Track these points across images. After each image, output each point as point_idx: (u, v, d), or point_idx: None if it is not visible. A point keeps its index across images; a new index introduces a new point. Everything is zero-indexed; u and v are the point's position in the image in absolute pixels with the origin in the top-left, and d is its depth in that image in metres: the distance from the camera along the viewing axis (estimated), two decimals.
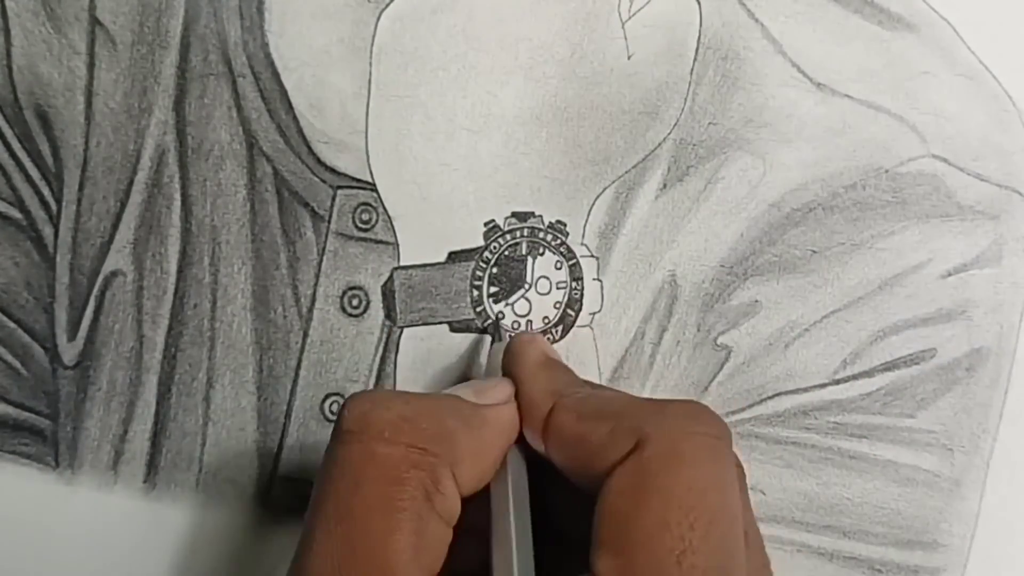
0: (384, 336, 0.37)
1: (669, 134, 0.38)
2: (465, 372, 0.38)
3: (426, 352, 0.38)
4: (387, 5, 0.37)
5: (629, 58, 0.37)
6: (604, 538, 0.27)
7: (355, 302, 0.37)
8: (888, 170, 0.38)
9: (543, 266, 0.38)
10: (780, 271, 0.38)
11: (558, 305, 0.38)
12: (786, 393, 0.38)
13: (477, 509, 0.31)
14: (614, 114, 0.37)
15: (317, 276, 0.37)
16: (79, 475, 0.37)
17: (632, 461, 0.28)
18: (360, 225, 0.37)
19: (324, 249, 0.37)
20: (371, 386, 0.37)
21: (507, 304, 0.38)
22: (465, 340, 0.38)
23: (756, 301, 0.38)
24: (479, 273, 0.38)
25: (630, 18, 0.37)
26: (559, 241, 0.38)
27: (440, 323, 0.38)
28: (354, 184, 0.37)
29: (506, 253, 0.38)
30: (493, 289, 0.38)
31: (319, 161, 0.37)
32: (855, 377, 0.38)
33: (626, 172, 0.38)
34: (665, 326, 0.38)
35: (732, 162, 0.38)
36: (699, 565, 0.26)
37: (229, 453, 0.37)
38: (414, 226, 0.37)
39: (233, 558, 0.37)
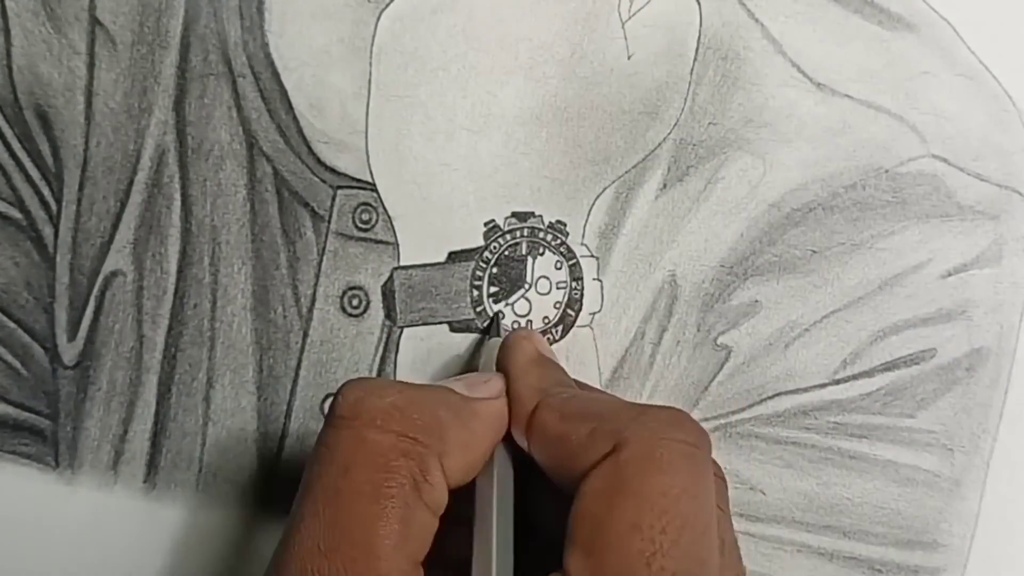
0: (384, 336, 0.37)
1: (669, 134, 0.38)
2: (465, 372, 0.38)
3: (426, 352, 0.38)
4: (387, 5, 0.37)
5: (629, 58, 0.37)
6: (577, 538, 0.28)
7: (355, 302, 0.37)
8: (888, 170, 0.38)
9: (543, 266, 0.38)
10: (780, 271, 0.38)
11: (558, 305, 0.38)
12: (786, 393, 0.38)
13: (468, 500, 0.31)
14: (614, 114, 0.37)
15: (317, 276, 0.37)
16: (79, 475, 0.37)
17: (608, 463, 0.28)
18: (360, 225, 0.37)
19: (324, 249, 0.37)
20: None
21: (507, 304, 0.38)
22: (465, 340, 0.38)
23: (756, 301, 0.38)
24: (479, 273, 0.38)
25: (630, 18, 0.37)
26: (559, 241, 0.38)
27: (440, 323, 0.38)
28: (354, 184, 0.37)
29: (506, 253, 0.38)
30: (493, 289, 0.38)
31: (319, 161, 0.37)
32: (855, 377, 0.38)
33: (626, 172, 0.38)
34: (665, 326, 0.38)
35: (732, 162, 0.38)
36: (668, 568, 0.27)
37: (229, 453, 0.37)
38: (414, 226, 0.37)
39: (233, 558, 0.37)
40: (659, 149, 0.38)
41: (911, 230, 0.38)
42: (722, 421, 0.38)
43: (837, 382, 0.38)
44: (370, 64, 0.37)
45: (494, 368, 0.34)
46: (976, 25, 0.38)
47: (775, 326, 0.38)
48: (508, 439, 0.32)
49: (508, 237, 0.38)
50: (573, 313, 0.38)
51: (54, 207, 0.37)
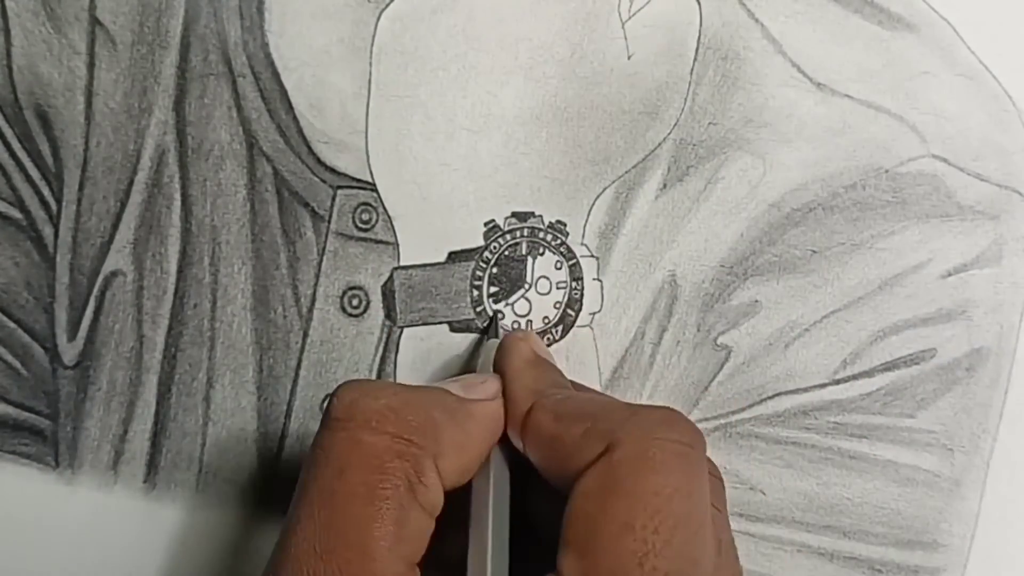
0: (384, 336, 0.37)
1: (669, 134, 0.38)
2: (465, 372, 0.38)
3: (426, 352, 0.38)
4: (387, 5, 0.37)
5: (629, 58, 0.37)
6: (570, 539, 0.28)
7: (355, 302, 0.37)
8: (888, 170, 0.38)
9: (543, 266, 0.38)
10: (780, 271, 0.38)
11: (558, 305, 0.38)
12: (786, 393, 0.38)
13: (464, 502, 0.31)
14: (614, 114, 0.37)
15: (317, 276, 0.37)
16: (79, 475, 0.37)
17: (602, 464, 0.28)
18: (360, 225, 0.37)
19: (324, 249, 0.37)
20: None
21: (507, 304, 0.38)
22: (465, 340, 0.38)
23: (756, 301, 0.38)
24: (479, 273, 0.38)
25: (630, 18, 0.37)
26: (559, 241, 0.38)
27: (440, 323, 0.38)
28: (354, 184, 0.37)
29: (506, 253, 0.38)
30: (493, 289, 0.38)
31: (319, 161, 0.37)
32: (855, 377, 0.38)
33: (626, 172, 0.38)
34: (665, 326, 0.38)
35: (732, 162, 0.38)
36: (661, 568, 0.27)
37: (229, 453, 0.37)
38: (414, 226, 0.37)
39: (232, 558, 0.37)
40: (659, 149, 0.38)
41: (911, 230, 0.38)
42: (722, 421, 0.38)
43: (837, 382, 0.38)
44: (370, 64, 0.37)
45: (491, 369, 0.34)
46: (976, 25, 0.38)
47: (775, 326, 0.38)
48: (505, 440, 0.32)
49: (508, 237, 0.38)
50: (573, 313, 0.38)
51: (54, 207, 0.37)
